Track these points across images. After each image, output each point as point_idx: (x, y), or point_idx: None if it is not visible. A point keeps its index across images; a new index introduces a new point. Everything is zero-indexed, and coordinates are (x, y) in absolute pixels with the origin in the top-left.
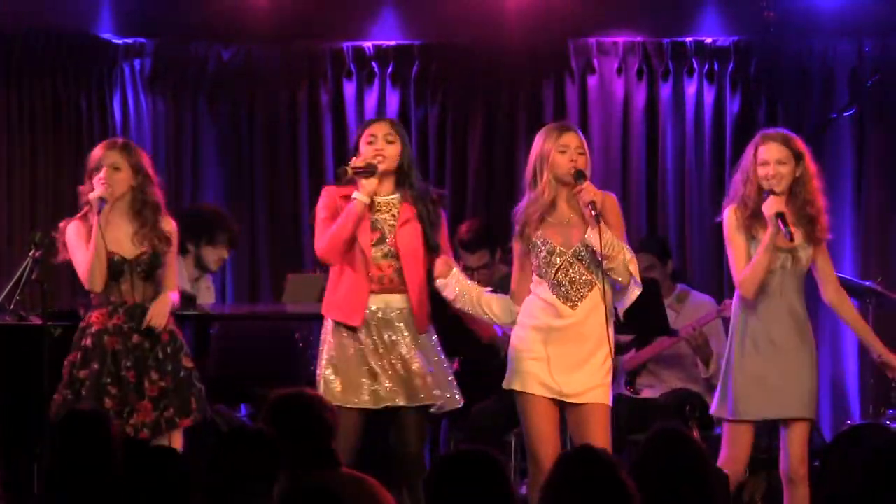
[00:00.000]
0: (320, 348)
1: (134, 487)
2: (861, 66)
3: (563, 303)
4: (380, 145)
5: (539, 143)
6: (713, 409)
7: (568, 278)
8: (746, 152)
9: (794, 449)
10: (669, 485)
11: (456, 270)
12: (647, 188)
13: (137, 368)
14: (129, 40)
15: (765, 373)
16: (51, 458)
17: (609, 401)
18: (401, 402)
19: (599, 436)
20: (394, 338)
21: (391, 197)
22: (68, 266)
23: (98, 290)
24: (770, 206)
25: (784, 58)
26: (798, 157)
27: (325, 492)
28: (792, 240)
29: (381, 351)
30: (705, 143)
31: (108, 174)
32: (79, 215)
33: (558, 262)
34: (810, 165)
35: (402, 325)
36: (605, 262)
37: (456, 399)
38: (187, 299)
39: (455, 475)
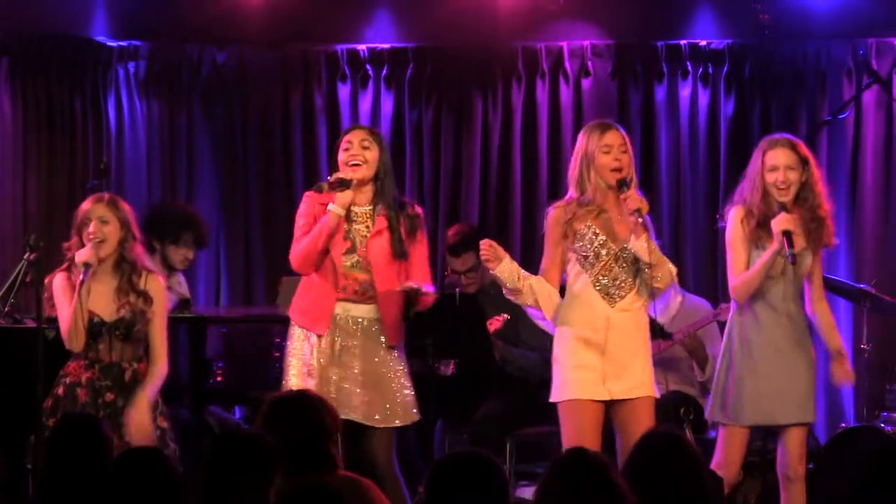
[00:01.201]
0: (286, 354)
1: (124, 490)
2: (855, 69)
3: (603, 299)
4: (355, 151)
5: (582, 142)
6: (708, 413)
7: (612, 274)
8: (753, 158)
9: (792, 449)
10: (663, 487)
11: (504, 254)
12: (642, 190)
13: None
14: (123, 43)
15: (763, 378)
16: (45, 461)
17: (655, 392)
18: (356, 418)
19: (646, 427)
20: (355, 351)
21: (368, 208)
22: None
23: (77, 350)
24: (780, 223)
25: (778, 60)
26: (804, 163)
27: (326, 492)
28: (794, 263)
29: (343, 360)
30: (700, 145)
31: (97, 227)
32: (63, 268)
33: (605, 256)
34: (815, 171)
35: (366, 336)
36: (647, 271)
37: (413, 415)
38: (182, 302)
39: (454, 478)
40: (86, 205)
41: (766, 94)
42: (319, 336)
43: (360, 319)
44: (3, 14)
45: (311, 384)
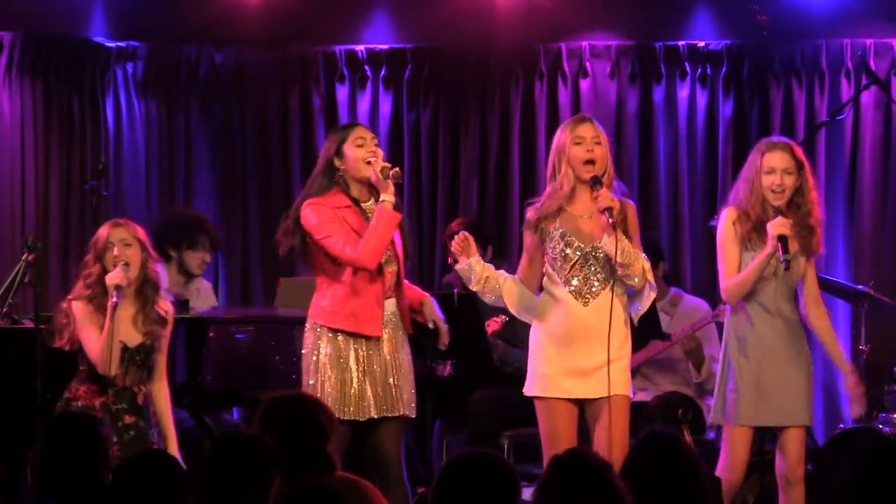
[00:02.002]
0: (308, 357)
1: (127, 492)
2: (854, 70)
3: (575, 299)
4: (372, 147)
5: (558, 135)
6: (710, 416)
7: (582, 274)
8: (750, 160)
9: (791, 451)
10: (661, 488)
11: (475, 252)
12: (640, 191)
13: (133, 447)
14: (121, 43)
15: (758, 379)
16: (42, 461)
17: (628, 392)
18: (377, 413)
19: (617, 426)
20: (383, 346)
21: (370, 203)
22: (60, 269)
23: (112, 374)
24: (776, 227)
25: (776, 61)
26: (800, 167)
27: (325, 493)
28: (788, 268)
29: (371, 363)
30: (698, 146)
31: (121, 251)
32: (81, 294)
33: (574, 256)
34: (810, 177)
35: (396, 328)
36: (620, 269)
37: (412, 408)
38: (181, 304)
39: (464, 478)
40: (104, 231)
41: (765, 95)
42: (369, 338)
43: (393, 313)
44: (2, 14)
45: (341, 388)
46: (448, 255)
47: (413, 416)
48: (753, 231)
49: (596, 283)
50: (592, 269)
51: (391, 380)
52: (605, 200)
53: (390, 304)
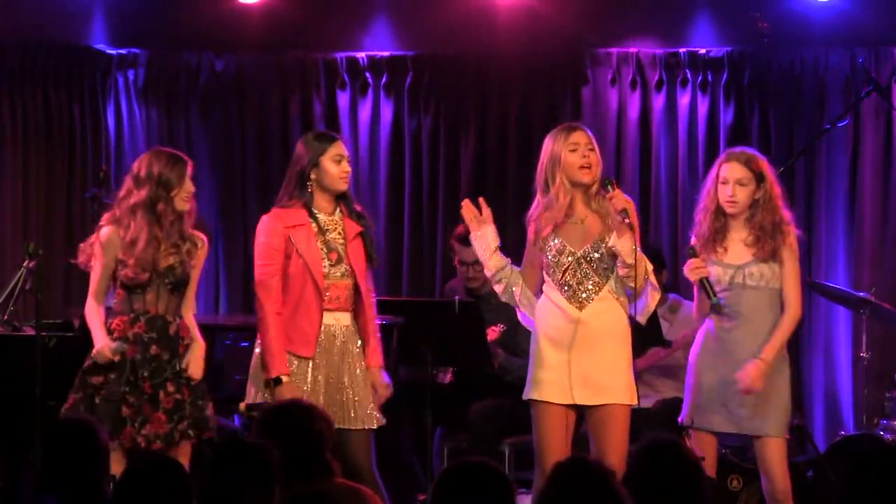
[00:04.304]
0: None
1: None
2: (854, 77)
3: (570, 303)
4: (346, 167)
5: (549, 145)
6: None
7: (575, 279)
8: (711, 169)
9: (773, 469)
10: (663, 494)
11: (489, 218)
12: (641, 198)
13: (154, 379)
14: (122, 50)
15: (716, 385)
16: (41, 466)
17: (630, 400)
18: (344, 425)
19: (615, 436)
20: (341, 357)
21: (335, 215)
22: (62, 276)
23: (146, 277)
24: (693, 273)
25: (777, 68)
26: (760, 179)
27: (325, 501)
28: (719, 311)
29: (325, 372)
30: (699, 153)
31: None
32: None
33: (567, 262)
34: (773, 188)
35: (346, 343)
36: (625, 270)
37: (377, 418)
38: None
39: (460, 486)
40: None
41: (765, 102)
42: (306, 358)
43: (340, 325)
44: (2, 21)
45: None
46: (454, 257)
47: (376, 426)
48: (709, 241)
49: (590, 286)
50: (586, 272)
51: (347, 393)
52: (621, 202)
53: (344, 318)
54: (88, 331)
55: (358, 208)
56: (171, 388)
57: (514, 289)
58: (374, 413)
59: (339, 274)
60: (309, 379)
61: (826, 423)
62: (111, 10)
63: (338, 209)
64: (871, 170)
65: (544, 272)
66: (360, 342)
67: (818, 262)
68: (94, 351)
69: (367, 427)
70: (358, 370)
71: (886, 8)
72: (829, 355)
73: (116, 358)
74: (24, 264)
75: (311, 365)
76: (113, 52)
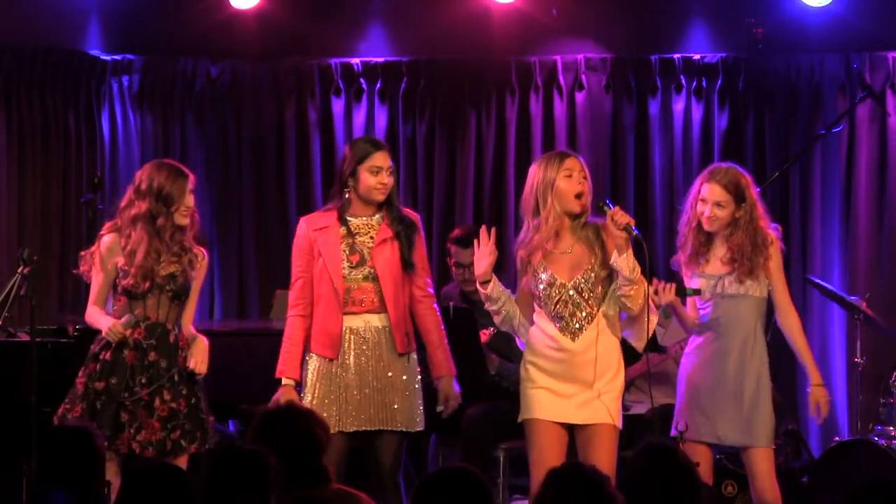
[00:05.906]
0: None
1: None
2: (849, 83)
3: (562, 334)
4: (384, 179)
5: (538, 172)
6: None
7: (567, 310)
8: (695, 183)
9: (762, 478)
10: (658, 500)
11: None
12: (636, 204)
13: (150, 386)
14: (117, 57)
15: (699, 395)
16: (38, 472)
17: (616, 421)
18: (371, 427)
19: (602, 456)
20: (370, 360)
21: (372, 218)
22: (57, 282)
23: (145, 287)
24: (664, 299)
25: (772, 74)
26: (740, 200)
27: None
28: (690, 295)
29: (353, 374)
30: (693, 159)
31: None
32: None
33: (557, 294)
34: (754, 208)
35: (379, 345)
36: (625, 289)
37: (416, 423)
38: None
39: (439, 493)
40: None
41: (760, 108)
42: (331, 359)
43: (371, 328)
44: None
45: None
46: (450, 259)
47: (414, 429)
48: (692, 256)
49: (583, 315)
50: (577, 303)
51: (379, 394)
52: (624, 217)
53: (375, 319)
54: (84, 337)
55: (406, 213)
56: (167, 396)
57: (513, 321)
58: (416, 416)
59: (361, 276)
60: (336, 380)
61: (821, 428)
62: (106, 17)
63: (379, 214)
64: (866, 175)
65: (535, 303)
66: (390, 346)
67: (813, 267)
68: (104, 330)
69: (399, 429)
70: (391, 373)
71: (881, 14)
72: (823, 361)
73: (128, 332)
74: (19, 270)
75: (336, 365)
76: (108, 58)
